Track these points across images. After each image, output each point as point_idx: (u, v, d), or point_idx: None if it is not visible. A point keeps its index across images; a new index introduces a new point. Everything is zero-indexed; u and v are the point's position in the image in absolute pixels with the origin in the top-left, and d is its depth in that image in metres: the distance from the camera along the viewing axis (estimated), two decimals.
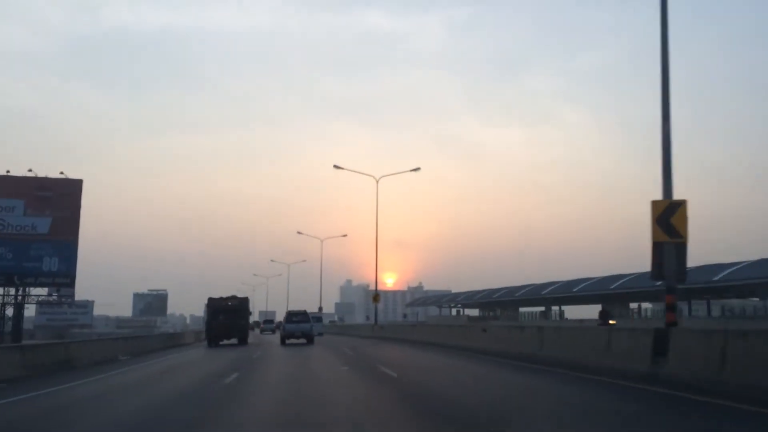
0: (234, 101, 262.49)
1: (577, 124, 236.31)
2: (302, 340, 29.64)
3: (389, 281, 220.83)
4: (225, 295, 32.86)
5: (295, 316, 30.84)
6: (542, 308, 55.78)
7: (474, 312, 71.89)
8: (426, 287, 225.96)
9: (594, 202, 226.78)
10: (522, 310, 62.34)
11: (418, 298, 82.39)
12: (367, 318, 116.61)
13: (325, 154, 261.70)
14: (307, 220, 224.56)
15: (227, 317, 30.30)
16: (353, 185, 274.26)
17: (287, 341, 29.40)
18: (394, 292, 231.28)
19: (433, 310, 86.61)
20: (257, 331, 65.96)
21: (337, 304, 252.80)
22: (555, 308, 54.48)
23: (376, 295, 43.01)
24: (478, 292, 66.70)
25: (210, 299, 32.27)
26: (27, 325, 50.32)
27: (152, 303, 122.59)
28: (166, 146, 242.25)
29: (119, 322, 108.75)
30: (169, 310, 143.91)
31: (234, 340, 30.95)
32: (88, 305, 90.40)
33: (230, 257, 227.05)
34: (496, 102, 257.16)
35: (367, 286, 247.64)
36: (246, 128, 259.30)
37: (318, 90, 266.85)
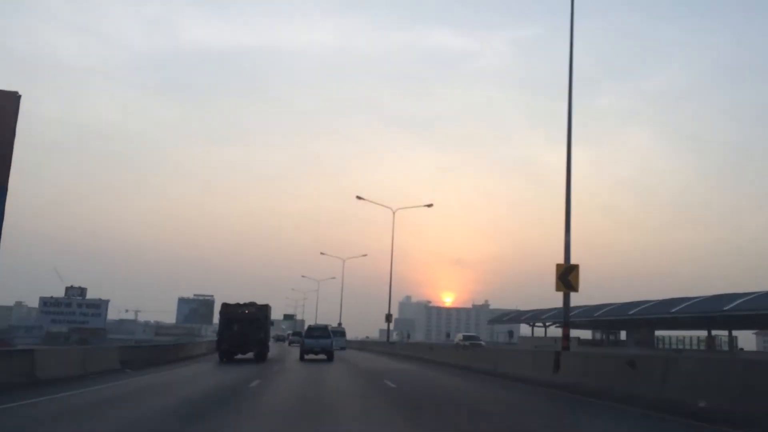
0: (298, 117, 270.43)
1: (646, 145, 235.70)
2: (321, 356, 29.33)
3: (447, 300, 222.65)
4: (243, 301, 28.33)
5: (315, 331, 30.77)
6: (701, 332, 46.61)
7: (580, 333, 60.45)
8: (492, 305, 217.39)
9: (663, 225, 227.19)
10: (659, 333, 52.84)
11: (501, 314, 72.10)
12: (408, 336, 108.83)
13: (386, 170, 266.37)
14: (366, 235, 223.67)
15: (243, 328, 26.71)
16: (413, 202, 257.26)
17: (306, 357, 29.19)
18: (458, 310, 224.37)
19: (510, 327, 77.29)
20: (286, 343, 62.84)
21: (396, 320, 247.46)
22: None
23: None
24: (598, 307, 52.82)
25: (224, 306, 28.25)
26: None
27: (197, 309, 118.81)
28: (229, 159, 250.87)
29: (159, 328, 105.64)
30: (217, 318, 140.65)
31: (250, 355, 27.58)
32: (100, 305, 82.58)
33: (283, 270, 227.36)
34: (562, 122, 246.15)
35: (428, 302, 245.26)
36: (309, 143, 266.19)
37: (381, 107, 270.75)
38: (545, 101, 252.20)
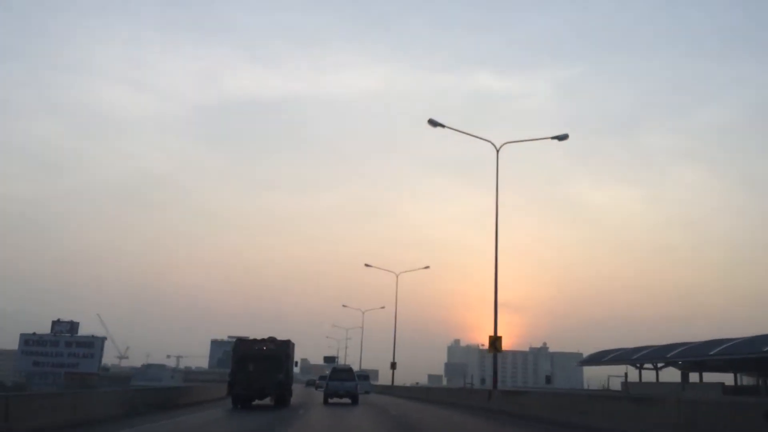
0: (344, 162, 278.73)
1: (696, 183, 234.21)
2: (346, 400, 29.29)
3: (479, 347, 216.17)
4: (261, 336, 25.53)
5: (339, 373, 30.49)
6: None
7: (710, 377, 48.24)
8: (551, 348, 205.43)
9: (716, 264, 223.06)
10: None
11: (599, 353, 61.87)
12: (483, 381, 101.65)
13: (432, 213, 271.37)
14: (415, 281, 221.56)
15: (259, 368, 23.91)
16: (462, 246, 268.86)
17: (330, 400, 29.01)
18: (514, 353, 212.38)
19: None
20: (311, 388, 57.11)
21: (446, 365, 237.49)
22: None
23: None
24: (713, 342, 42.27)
25: (237, 342, 25.77)
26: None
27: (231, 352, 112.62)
28: (276, 205, 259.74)
29: (189, 374, 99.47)
30: None
31: (268, 400, 25.20)
32: (94, 344, 69.37)
33: (325, 314, 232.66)
34: (607, 162, 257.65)
35: (480, 345, 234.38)
36: (353, 187, 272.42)
37: (424, 150, 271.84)
38: (589, 140, 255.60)
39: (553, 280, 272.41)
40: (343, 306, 78.43)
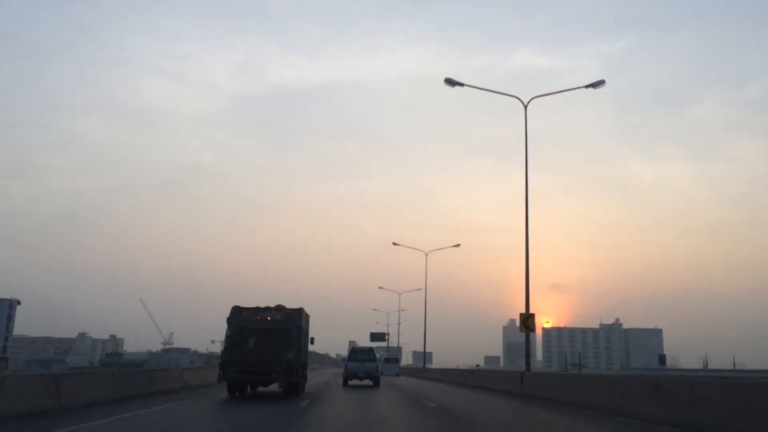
0: (384, 147, 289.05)
1: (750, 156, 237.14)
2: (367, 382, 28.78)
3: (547, 324, 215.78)
4: (265, 304, 20.27)
5: (359, 354, 29.91)
6: None
7: None
8: (626, 325, 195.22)
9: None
10: None
11: None
12: (577, 365, 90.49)
13: (476, 196, 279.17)
14: (452, 262, 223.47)
15: (262, 344, 19.32)
16: (500, 229, 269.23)
17: (350, 382, 28.50)
18: (584, 330, 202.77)
19: None
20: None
21: (509, 345, 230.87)
22: None
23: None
24: None
25: (234, 310, 20.03)
26: None
27: None
28: (318, 192, 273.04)
29: (212, 357, 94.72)
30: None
31: (275, 387, 19.98)
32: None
33: (369, 298, 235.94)
34: (656, 137, 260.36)
35: (546, 321, 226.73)
36: (396, 172, 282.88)
37: (466, 132, 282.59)
38: (635, 115, 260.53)
39: (601, 259, 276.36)
40: (380, 288, 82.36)
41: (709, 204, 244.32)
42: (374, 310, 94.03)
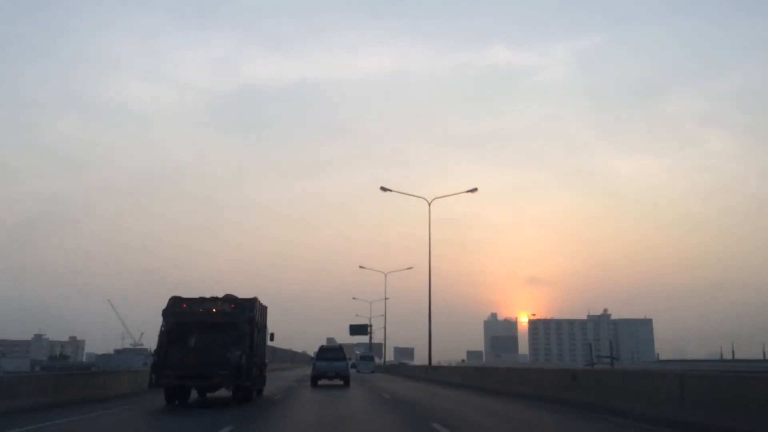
0: (362, 143, 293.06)
1: (723, 149, 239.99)
2: (337, 381, 28.16)
3: (533, 316, 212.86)
4: (208, 295, 17.61)
5: (327, 353, 29.29)
6: None
7: None
8: (614, 316, 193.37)
9: (742, 231, 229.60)
10: None
11: None
12: (610, 360, 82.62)
13: (453, 191, 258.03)
14: (444, 256, 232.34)
15: (205, 342, 16.48)
16: (483, 221, 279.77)
17: (319, 382, 27.93)
18: (571, 322, 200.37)
19: None
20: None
21: (493, 339, 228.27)
22: None
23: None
24: None
25: (172, 301, 17.03)
26: None
27: None
28: (296, 190, 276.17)
29: None
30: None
31: (224, 392, 17.36)
32: None
33: (350, 293, 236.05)
34: (631, 131, 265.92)
35: (531, 314, 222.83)
36: (373, 169, 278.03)
37: (444, 128, 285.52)
38: (611, 110, 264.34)
39: (582, 251, 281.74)
40: (361, 267, 72.81)
41: (683, 197, 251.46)
42: (354, 299, 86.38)
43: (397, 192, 43.71)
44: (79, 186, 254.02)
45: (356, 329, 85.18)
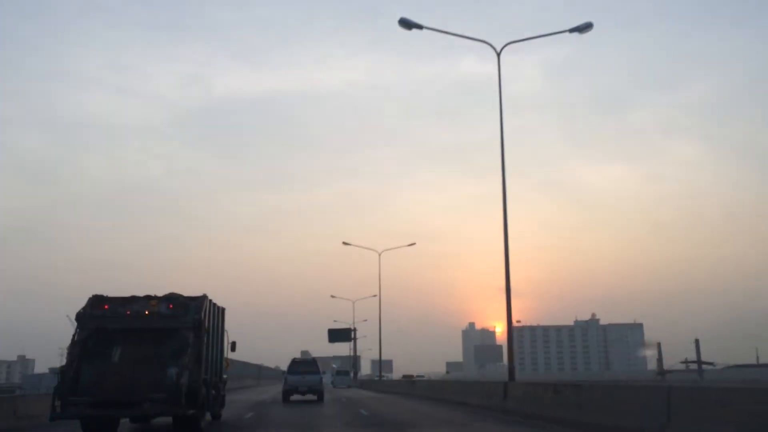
0: (332, 156, 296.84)
1: (689, 158, 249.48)
2: (309, 396, 27.78)
3: (517, 323, 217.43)
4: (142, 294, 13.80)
5: (300, 366, 28.25)
6: None
7: None
8: (604, 321, 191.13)
9: (710, 238, 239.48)
10: None
11: None
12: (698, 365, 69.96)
13: (425, 203, 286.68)
14: (405, 269, 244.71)
15: (133, 356, 12.82)
16: (450, 236, 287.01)
17: (291, 398, 27.16)
18: (558, 329, 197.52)
19: None
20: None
21: (477, 349, 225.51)
22: None
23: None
24: None
25: (92, 301, 13.33)
26: None
27: None
28: (268, 203, 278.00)
29: None
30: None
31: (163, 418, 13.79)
32: None
33: (325, 307, 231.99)
34: (600, 141, 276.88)
35: (517, 321, 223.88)
36: (345, 181, 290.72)
37: (414, 139, 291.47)
38: (581, 121, 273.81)
39: (550, 261, 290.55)
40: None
41: (651, 204, 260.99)
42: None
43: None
44: (45, 201, 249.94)
45: (337, 335, 75.67)
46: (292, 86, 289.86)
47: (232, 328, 18.06)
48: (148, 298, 13.49)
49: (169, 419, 13.08)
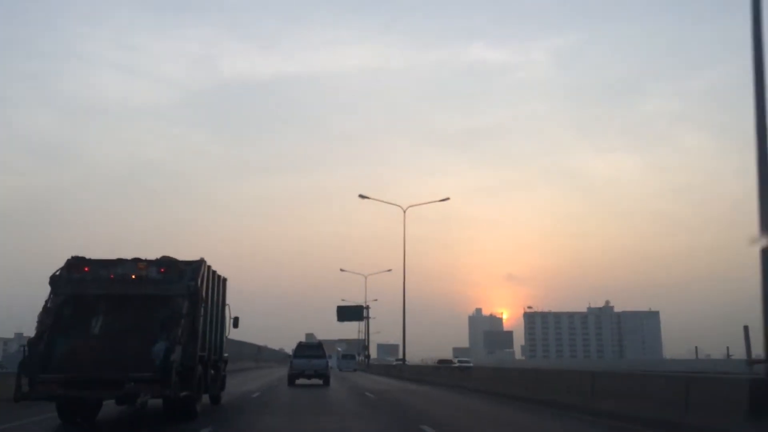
0: (340, 141, 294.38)
1: (697, 147, 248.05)
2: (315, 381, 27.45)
3: (529, 308, 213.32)
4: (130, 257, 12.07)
5: (305, 350, 28.87)
6: None
7: None
8: (618, 308, 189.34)
9: (717, 230, 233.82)
10: None
11: None
12: None
13: (432, 189, 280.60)
14: (421, 253, 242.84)
15: (116, 327, 11.23)
16: (461, 218, 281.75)
17: (297, 381, 27.28)
18: (570, 315, 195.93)
19: None
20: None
21: (486, 334, 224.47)
22: None
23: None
24: None
25: (70, 263, 11.71)
26: None
27: None
28: (275, 186, 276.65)
29: None
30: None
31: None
32: None
33: (332, 291, 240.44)
34: (608, 129, 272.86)
35: (528, 307, 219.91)
36: (351, 166, 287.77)
37: (421, 126, 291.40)
38: (589, 109, 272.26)
39: (559, 249, 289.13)
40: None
41: (657, 194, 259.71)
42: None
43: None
44: (54, 181, 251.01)
45: (347, 313, 70.49)
46: (301, 69, 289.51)
47: (234, 305, 16.26)
48: (136, 260, 11.72)
49: (160, 401, 11.36)
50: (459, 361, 53.33)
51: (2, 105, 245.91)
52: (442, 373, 31.37)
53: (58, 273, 11.48)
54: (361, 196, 44.24)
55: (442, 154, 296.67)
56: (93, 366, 10.41)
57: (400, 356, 56.70)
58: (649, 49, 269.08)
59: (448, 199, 45.43)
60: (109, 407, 11.98)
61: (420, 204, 46.94)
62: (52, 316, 10.87)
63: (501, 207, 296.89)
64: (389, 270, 66.92)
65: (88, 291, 11.36)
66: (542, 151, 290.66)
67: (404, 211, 43.73)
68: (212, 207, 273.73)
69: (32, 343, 10.61)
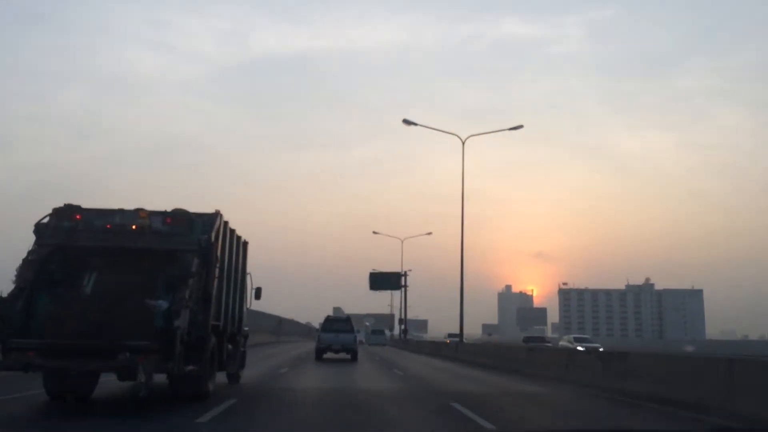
0: (369, 116, 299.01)
1: (735, 125, 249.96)
2: (343, 355, 27.00)
3: (564, 285, 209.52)
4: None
5: (333, 324, 28.30)
6: None
7: None
8: (658, 286, 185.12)
9: (754, 208, 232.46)
10: None
11: None
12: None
13: (460, 166, 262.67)
14: (441, 227, 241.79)
15: (109, 288, 9.39)
16: (485, 197, 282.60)
17: (324, 356, 26.87)
18: (608, 292, 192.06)
19: None
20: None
21: (519, 310, 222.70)
22: None
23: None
24: None
25: (59, 211, 9.96)
26: None
27: None
28: (302, 161, 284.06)
29: None
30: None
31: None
32: None
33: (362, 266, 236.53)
34: (643, 106, 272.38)
35: (563, 284, 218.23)
36: (379, 141, 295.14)
37: (451, 101, 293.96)
38: (623, 84, 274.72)
39: (592, 227, 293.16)
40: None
41: (693, 172, 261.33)
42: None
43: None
44: (88, 155, 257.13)
45: (380, 281, 63.52)
46: (330, 45, 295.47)
47: (258, 276, 14.25)
48: (136, 212, 9.77)
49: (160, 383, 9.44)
50: (576, 341, 37.15)
51: (36, 80, 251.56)
52: (544, 362, 19.22)
53: (43, 221, 9.59)
54: (406, 122, 36.66)
55: (472, 129, 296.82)
56: (81, 331, 8.62)
57: (427, 332, 54.05)
58: (686, 24, 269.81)
59: (521, 126, 36.18)
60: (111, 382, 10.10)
61: (482, 134, 39.19)
62: (34, 270, 9.02)
63: (530, 185, 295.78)
64: (429, 233, 66.14)
65: (80, 242, 9.58)
66: (575, 128, 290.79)
67: (463, 142, 37.64)
68: (242, 180, 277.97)
69: (7, 300, 8.72)
